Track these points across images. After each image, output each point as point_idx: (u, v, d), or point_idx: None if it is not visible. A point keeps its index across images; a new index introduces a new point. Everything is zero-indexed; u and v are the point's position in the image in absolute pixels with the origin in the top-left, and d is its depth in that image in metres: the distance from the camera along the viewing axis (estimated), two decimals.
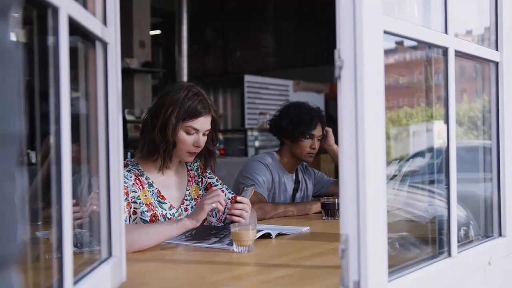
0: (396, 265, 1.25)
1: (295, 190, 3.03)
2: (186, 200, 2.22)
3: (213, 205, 1.90)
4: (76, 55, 1.20)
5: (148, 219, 2.05)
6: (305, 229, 2.27)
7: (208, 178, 2.32)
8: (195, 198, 2.25)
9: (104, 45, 1.28)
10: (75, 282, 1.03)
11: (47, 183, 0.98)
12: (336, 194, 2.86)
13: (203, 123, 2.11)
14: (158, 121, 2.07)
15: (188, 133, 2.09)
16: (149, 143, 2.10)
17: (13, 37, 0.55)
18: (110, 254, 1.30)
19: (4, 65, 0.53)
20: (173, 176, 2.21)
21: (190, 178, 2.27)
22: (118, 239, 1.31)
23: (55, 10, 0.94)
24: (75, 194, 1.01)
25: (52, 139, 0.97)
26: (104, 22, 1.28)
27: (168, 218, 2.12)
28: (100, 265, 1.23)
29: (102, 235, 1.29)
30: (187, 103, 2.06)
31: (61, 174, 0.95)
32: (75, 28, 1.06)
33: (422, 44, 1.52)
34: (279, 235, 2.10)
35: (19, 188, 0.55)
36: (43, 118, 0.97)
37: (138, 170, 2.12)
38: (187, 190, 2.24)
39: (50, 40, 0.96)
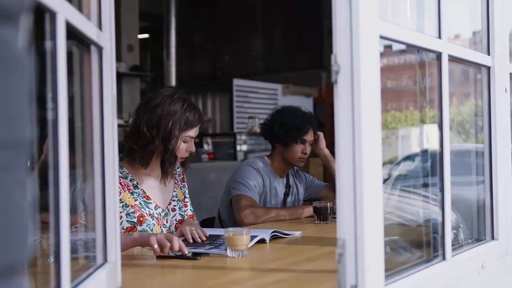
0: (392, 269, 1.26)
1: (286, 195, 3.03)
2: (174, 200, 2.30)
3: (155, 246, 1.72)
4: (71, 60, 1.19)
5: (135, 220, 2.11)
6: (297, 233, 2.27)
7: (185, 188, 2.42)
8: (181, 200, 2.34)
9: (100, 49, 1.27)
10: None
11: (39, 188, 0.97)
12: (327, 198, 2.86)
13: (197, 130, 2.23)
14: (158, 133, 2.12)
15: (185, 141, 2.19)
16: (148, 153, 2.14)
17: (22, 43, 0.55)
18: (105, 260, 1.29)
19: (15, 71, 0.52)
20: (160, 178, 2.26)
21: (176, 181, 2.35)
22: (113, 245, 1.30)
23: (53, 14, 0.93)
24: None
25: (45, 144, 0.96)
26: (99, 26, 1.27)
27: (156, 217, 2.17)
28: (95, 271, 1.22)
29: (98, 241, 1.28)
30: (186, 115, 2.16)
31: (58, 179, 0.94)
32: (71, 33, 1.05)
33: (412, 48, 1.52)
34: (274, 238, 2.10)
35: (29, 195, 0.55)
36: (38, 122, 0.96)
37: (121, 173, 2.16)
38: (174, 191, 2.32)
39: (48, 44, 0.95)
